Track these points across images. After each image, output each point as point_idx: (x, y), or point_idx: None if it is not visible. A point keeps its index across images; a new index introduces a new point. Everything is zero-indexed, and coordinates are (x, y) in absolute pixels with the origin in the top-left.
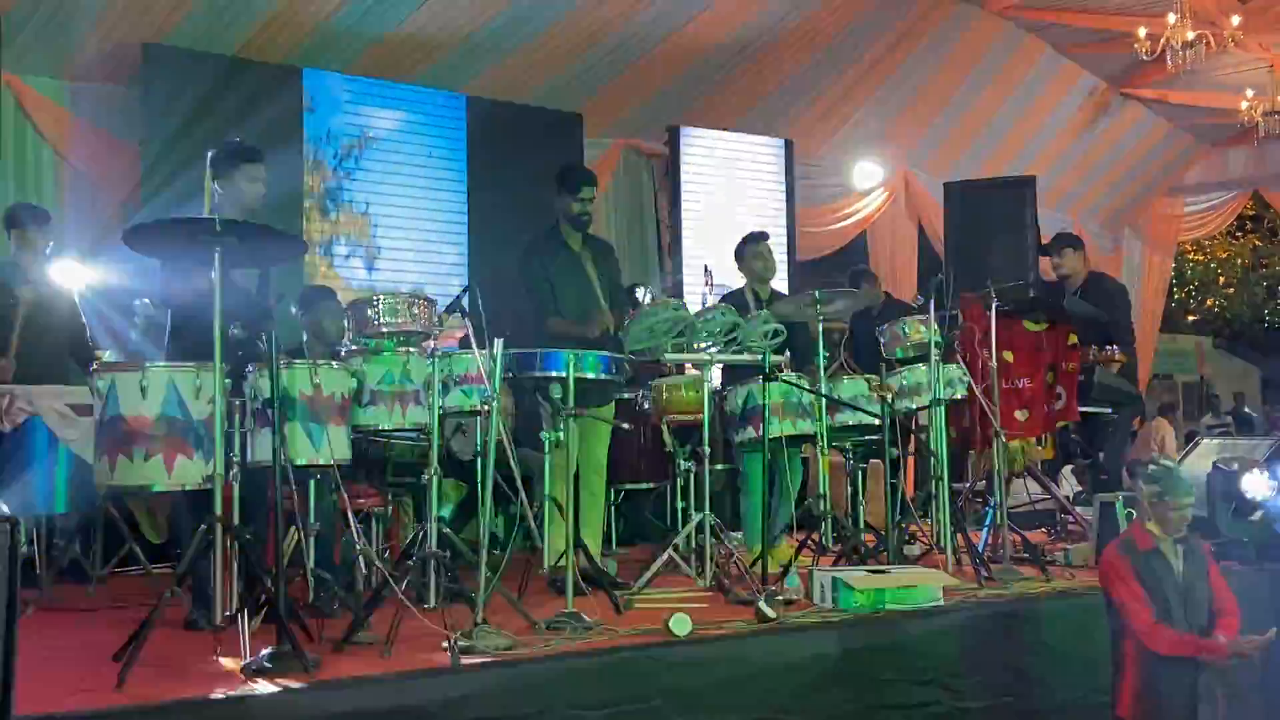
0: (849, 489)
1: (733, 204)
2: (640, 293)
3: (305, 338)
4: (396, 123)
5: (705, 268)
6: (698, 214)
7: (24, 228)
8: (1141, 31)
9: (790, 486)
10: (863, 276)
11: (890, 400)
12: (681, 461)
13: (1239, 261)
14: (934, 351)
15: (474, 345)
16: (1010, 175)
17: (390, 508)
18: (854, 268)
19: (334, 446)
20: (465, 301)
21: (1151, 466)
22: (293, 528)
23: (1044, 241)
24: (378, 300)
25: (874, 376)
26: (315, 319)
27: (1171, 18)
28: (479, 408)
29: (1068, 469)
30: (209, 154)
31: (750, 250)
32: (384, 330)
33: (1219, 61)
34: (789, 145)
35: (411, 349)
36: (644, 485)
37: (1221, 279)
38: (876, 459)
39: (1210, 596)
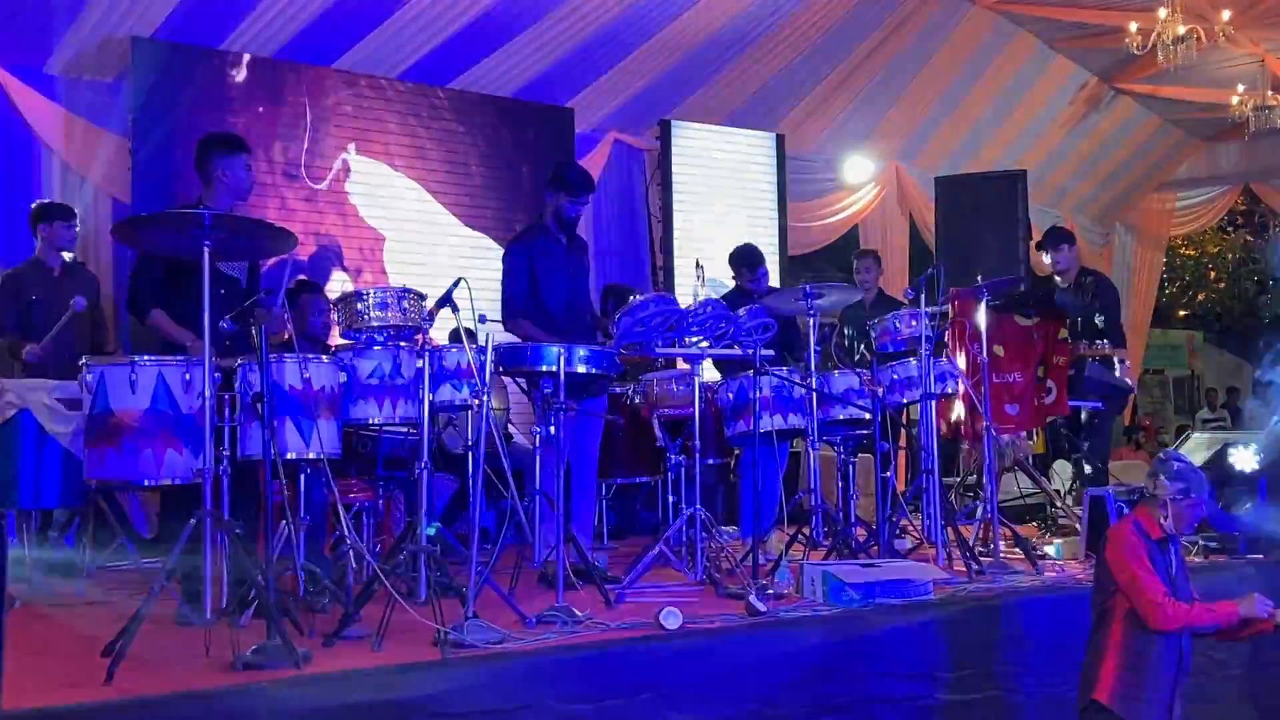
0: (840, 483)
1: (724, 198)
2: (635, 298)
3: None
4: (388, 117)
5: (696, 262)
6: (689, 208)
7: (53, 225)
8: (1132, 26)
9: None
10: (864, 258)
11: (881, 394)
12: (672, 456)
13: (1230, 256)
14: (925, 346)
15: (464, 339)
16: (1001, 170)
17: (381, 502)
18: (858, 250)
19: (324, 440)
20: (455, 295)
21: (1175, 464)
22: (283, 522)
23: (1035, 236)
24: (367, 294)
25: (865, 371)
26: (296, 313)
27: (1162, 12)
28: (469, 402)
29: (1059, 463)
30: (197, 144)
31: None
32: (374, 324)
33: (1210, 56)
34: (780, 139)
35: (402, 343)
36: (635, 480)
37: (1212, 274)
38: (867, 453)
39: (1190, 589)
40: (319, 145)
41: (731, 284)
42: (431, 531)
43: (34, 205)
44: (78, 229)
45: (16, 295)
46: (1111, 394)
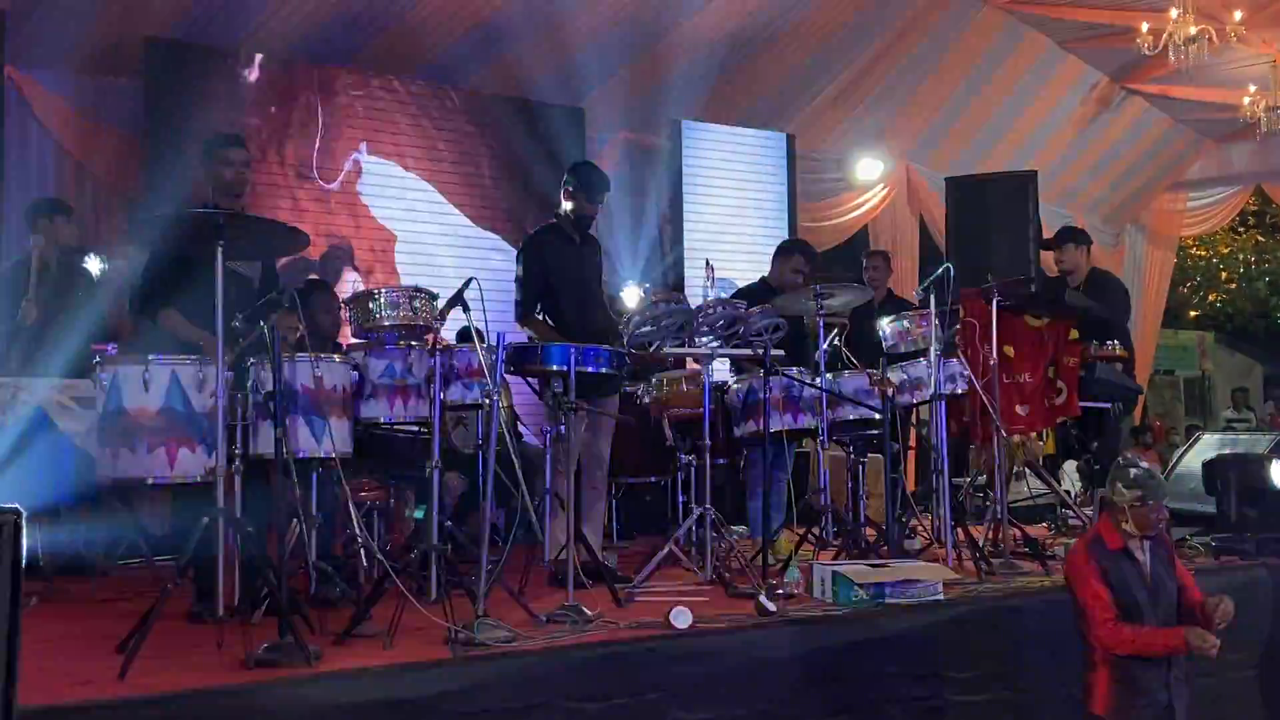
0: (849, 483)
1: (734, 198)
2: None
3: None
4: (399, 117)
5: (707, 262)
6: (699, 208)
7: (52, 220)
8: (1144, 26)
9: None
10: (874, 257)
11: (891, 395)
12: (682, 455)
13: (1241, 257)
14: (935, 346)
15: (474, 339)
16: (1012, 170)
17: (392, 500)
18: (868, 250)
19: (335, 439)
20: (466, 295)
21: (1133, 470)
22: (294, 520)
23: (1046, 236)
24: (379, 294)
25: (875, 371)
26: (308, 312)
27: (1174, 13)
28: (480, 401)
29: (1069, 464)
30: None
31: (781, 259)
32: (385, 324)
33: (1221, 56)
34: (790, 140)
35: (413, 342)
36: (645, 479)
37: (1224, 274)
38: (877, 453)
39: (1178, 586)
40: (331, 145)
41: (731, 280)
42: (419, 515)
43: (31, 201)
44: (76, 225)
45: (15, 292)
46: (1122, 394)
